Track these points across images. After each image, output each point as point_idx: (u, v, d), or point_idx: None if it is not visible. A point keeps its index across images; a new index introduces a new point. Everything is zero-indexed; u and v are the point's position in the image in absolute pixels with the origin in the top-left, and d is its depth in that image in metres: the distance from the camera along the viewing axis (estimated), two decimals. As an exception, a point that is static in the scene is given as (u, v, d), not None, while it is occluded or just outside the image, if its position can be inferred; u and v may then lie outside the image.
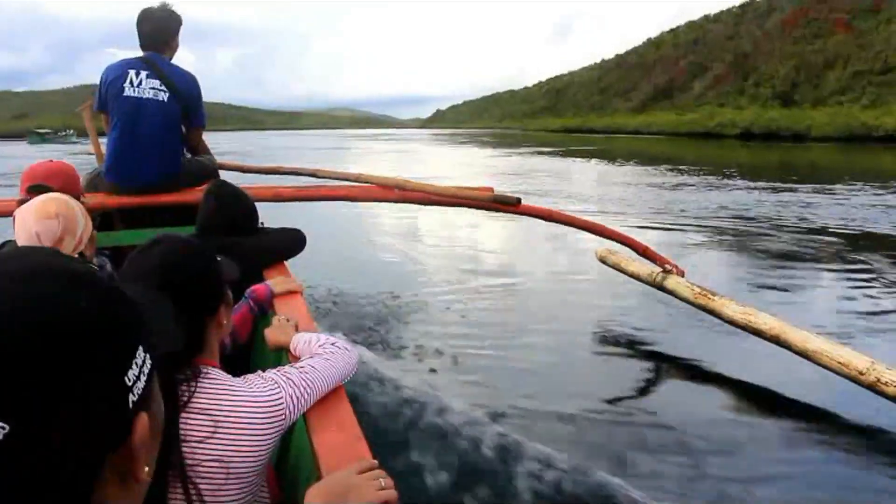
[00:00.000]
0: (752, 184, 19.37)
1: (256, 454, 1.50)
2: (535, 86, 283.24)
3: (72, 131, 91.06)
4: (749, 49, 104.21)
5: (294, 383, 1.67)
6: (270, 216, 3.93)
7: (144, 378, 0.69)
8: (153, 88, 4.13)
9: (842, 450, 3.97)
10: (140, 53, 4.28)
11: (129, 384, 0.65)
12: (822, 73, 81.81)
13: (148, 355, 0.70)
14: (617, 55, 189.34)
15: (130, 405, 0.66)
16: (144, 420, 0.67)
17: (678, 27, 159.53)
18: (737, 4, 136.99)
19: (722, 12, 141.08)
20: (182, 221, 3.87)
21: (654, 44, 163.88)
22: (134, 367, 0.67)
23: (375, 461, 1.49)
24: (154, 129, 4.13)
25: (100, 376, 0.62)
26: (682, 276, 5.42)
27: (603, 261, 6.44)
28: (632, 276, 5.95)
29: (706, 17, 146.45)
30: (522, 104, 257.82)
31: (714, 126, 78.51)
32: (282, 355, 2.21)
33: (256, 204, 3.29)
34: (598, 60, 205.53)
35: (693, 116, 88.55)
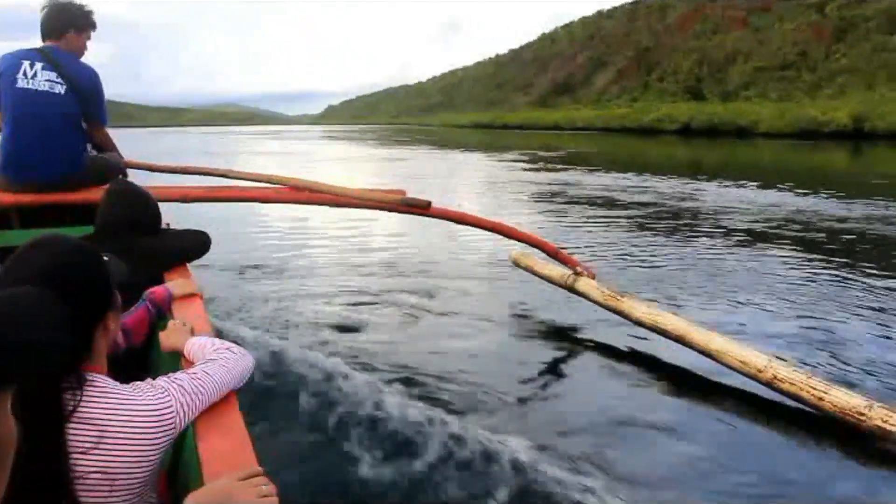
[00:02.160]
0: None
1: (143, 464, 1.50)
2: (429, 80, 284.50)
3: None
4: (650, 44, 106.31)
5: (185, 390, 1.66)
6: (180, 217, 3.93)
7: None
8: (48, 80, 4.05)
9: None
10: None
11: None
12: (724, 69, 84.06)
13: None
14: (511, 50, 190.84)
15: None
16: None
17: (571, 23, 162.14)
18: (629, 1, 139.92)
19: (615, 8, 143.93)
20: (83, 221, 3.78)
21: (548, 39, 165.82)
22: None
23: (259, 468, 1.52)
24: (50, 123, 4.06)
25: None
26: (593, 279, 5.64)
27: (516, 263, 6.67)
28: (544, 278, 6.18)
29: (600, 13, 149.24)
30: (417, 99, 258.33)
31: (651, 121, 74.57)
32: (177, 360, 2.20)
33: (164, 204, 3.28)
34: (493, 55, 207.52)
35: (624, 111, 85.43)
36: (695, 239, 10.51)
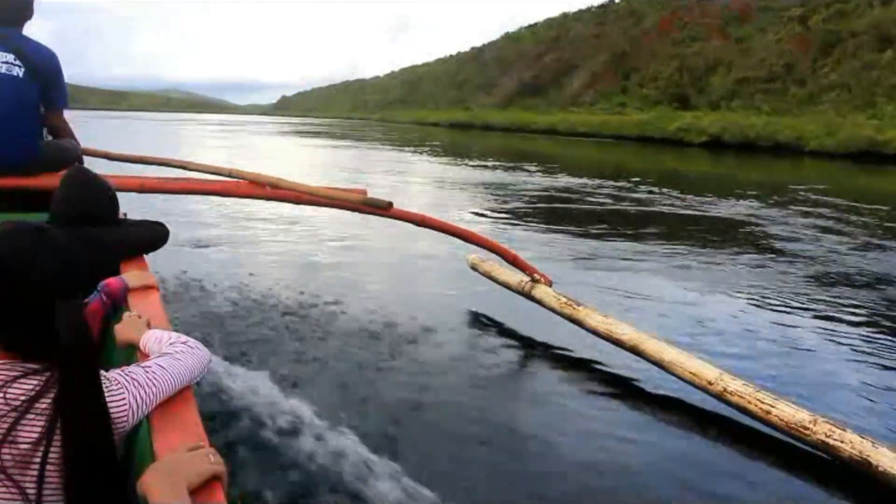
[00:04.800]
0: None
1: None
2: (386, 76, 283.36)
3: None
4: (626, 48, 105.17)
5: (139, 383, 1.68)
6: (136, 207, 4.01)
7: None
8: (6, 63, 4.04)
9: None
10: None
11: None
12: (704, 77, 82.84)
13: None
14: (473, 48, 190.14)
15: None
16: None
17: (536, 23, 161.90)
18: (596, 4, 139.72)
19: (582, 11, 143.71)
20: (37, 208, 3.79)
21: (511, 38, 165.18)
22: None
23: (204, 442, 1.61)
24: (6, 107, 4.06)
25: None
26: (550, 286, 5.85)
27: (474, 268, 6.87)
28: (501, 283, 6.40)
29: (565, 15, 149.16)
30: (374, 94, 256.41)
31: (674, 131, 67.64)
32: (131, 353, 2.22)
33: (121, 194, 3.30)
34: (454, 53, 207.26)
35: (642, 117, 78.94)
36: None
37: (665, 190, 20.77)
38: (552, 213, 15.41)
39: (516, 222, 13.47)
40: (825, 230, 13.93)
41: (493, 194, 18.52)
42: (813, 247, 11.91)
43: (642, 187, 21.37)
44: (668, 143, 63.08)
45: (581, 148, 54.06)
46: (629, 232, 12.81)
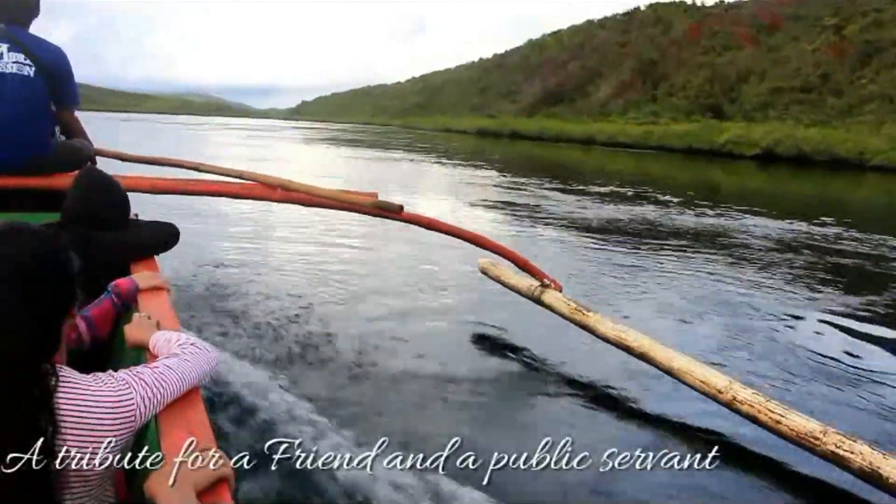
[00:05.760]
0: None
1: (101, 457, 1.55)
2: (408, 81, 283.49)
3: None
4: (654, 57, 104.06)
5: (147, 384, 1.71)
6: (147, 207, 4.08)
7: None
8: (16, 63, 4.09)
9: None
10: None
11: None
12: (737, 87, 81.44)
13: None
14: (496, 55, 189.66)
15: None
16: None
17: (561, 30, 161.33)
18: (620, 12, 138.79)
19: (607, 18, 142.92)
20: (48, 207, 3.84)
21: (536, 45, 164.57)
22: None
23: (212, 444, 1.66)
24: (17, 106, 4.11)
25: None
26: (560, 291, 5.88)
27: (484, 272, 6.88)
28: (511, 288, 6.41)
29: (590, 22, 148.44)
30: (395, 100, 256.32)
31: (723, 143, 63.57)
32: (141, 353, 2.26)
33: (132, 195, 3.37)
34: (476, 59, 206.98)
35: (685, 128, 74.76)
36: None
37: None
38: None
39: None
40: None
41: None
42: None
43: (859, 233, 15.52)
44: (716, 156, 60.12)
45: (641, 161, 50.35)
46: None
